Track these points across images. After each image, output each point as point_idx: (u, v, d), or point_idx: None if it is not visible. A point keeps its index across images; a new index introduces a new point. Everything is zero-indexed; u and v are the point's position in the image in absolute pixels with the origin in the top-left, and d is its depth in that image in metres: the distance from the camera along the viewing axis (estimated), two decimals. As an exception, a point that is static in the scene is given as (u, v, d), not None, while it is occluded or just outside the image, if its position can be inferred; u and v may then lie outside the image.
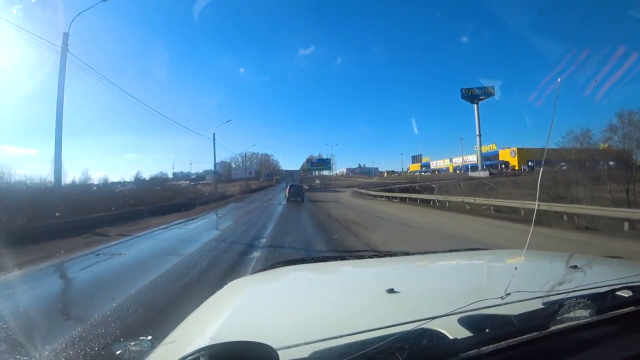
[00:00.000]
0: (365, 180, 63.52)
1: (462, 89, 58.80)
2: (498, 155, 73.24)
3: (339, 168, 79.82)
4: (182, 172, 73.86)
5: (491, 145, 77.61)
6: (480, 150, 58.59)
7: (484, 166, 62.89)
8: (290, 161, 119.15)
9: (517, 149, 66.54)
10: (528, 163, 54.98)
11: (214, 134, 33.95)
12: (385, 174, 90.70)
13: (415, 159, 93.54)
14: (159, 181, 30.69)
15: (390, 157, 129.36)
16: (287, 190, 24.01)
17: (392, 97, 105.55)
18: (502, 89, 66.45)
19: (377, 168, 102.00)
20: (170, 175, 60.71)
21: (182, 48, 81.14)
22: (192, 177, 71.62)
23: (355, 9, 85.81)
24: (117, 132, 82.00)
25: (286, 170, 57.09)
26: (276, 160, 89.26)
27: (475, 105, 58.92)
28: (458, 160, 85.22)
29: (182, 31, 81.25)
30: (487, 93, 59.60)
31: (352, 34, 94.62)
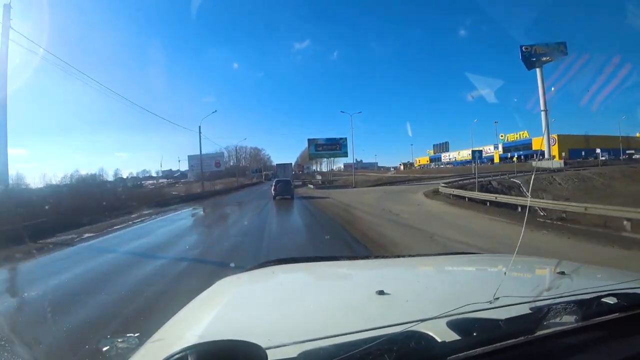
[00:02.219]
0: (382, 175, 55.92)
1: (521, 47, 37.89)
2: (531, 144, 61.30)
3: (336, 163, 74.86)
4: (170, 170, 71.52)
5: (522, 133, 65.99)
6: (548, 131, 38.86)
7: (514, 156, 55.47)
8: (284, 159, 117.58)
9: (557, 135, 54.94)
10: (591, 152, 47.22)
11: (199, 126, 31.54)
12: (402, 167, 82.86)
13: (440, 147, 72.20)
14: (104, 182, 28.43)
15: (387, 152, 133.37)
16: (273, 188, 20.64)
17: (389, 92, 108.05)
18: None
19: (377, 163, 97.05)
20: (154, 174, 62.12)
21: (174, 42, 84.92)
22: (176, 174, 66.34)
23: (351, 3, 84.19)
24: (108, 130, 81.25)
25: (277, 164, 49.71)
26: (267, 155, 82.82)
27: (537, 70, 36.38)
28: (467, 152, 70.42)
29: (175, 25, 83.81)
30: (558, 51, 36.42)
31: (348, 28, 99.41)
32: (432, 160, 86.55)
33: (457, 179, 29.23)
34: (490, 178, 28.56)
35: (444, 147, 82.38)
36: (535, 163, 43.75)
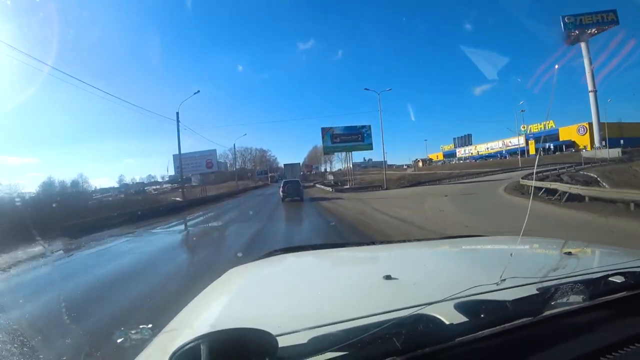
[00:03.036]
0: (402, 173, 47.08)
1: (563, 18, 28.46)
2: (558, 134, 54.04)
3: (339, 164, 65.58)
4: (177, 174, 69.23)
5: (547, 123, 55.58)
6: (599, 116, 32.15)
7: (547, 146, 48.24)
8: (291, 160, 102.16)
9: (589, 124, 47.75)
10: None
11: (177, 112, 24.35)
12: (421, 164, 75.89)
13: (462, 140, 65.01)
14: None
15: (395, 149, 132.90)
16: (281, 189, 18.87)
17: (396, 89, 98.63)
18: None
19: (386, 161, 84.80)
20: (159, 179, 61.09)
21: (177, 46, 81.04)
22: (180, 179, 61.33)
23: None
24: (116, 136, 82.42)
25: (285, 165, 45.78)
26: (274, 157, 78.29)
27: (582, 45, 27.28)
28: (496, 145, 67.95)
29: (179, 30, 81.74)
30: (606, 21, 27.25)
31: (352, 25, 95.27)
32: (445, 156, 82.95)
33: (518, 172, 24.80)
34: (553, 171, 22.97)
35: (467, 139, 76.51)
36: (588, 154, 36.62)
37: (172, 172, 68.48)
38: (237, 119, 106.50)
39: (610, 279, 0.78)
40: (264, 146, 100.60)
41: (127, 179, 57.19)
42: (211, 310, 0.92)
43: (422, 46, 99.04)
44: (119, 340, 0.82)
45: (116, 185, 50.94)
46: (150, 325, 0.85)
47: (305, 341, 0.57)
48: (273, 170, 70.80)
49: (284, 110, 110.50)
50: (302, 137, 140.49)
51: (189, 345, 0.53)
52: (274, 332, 0.56)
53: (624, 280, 0.78)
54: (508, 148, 63.52)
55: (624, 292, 0.76)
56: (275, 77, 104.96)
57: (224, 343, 0.54)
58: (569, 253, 1.06)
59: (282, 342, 0.55)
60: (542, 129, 59.23)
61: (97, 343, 2.95)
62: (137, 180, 59.90)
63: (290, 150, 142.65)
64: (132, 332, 0.83)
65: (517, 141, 64.73)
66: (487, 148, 72.70)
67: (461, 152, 79.21)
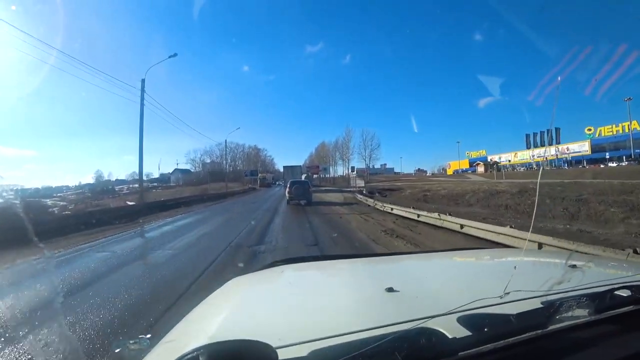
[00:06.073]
0: (456, 180, 35.69)
1: None
2: None
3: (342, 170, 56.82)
4: (168, 173, 60.55)
5: (626, 124, 41.16)
6: None
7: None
8: (290, 162, 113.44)
9: None
10: None
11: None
12: (483, 169, 48.80)
13: (542, 134, 43.70)
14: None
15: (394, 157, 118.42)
16: (287, 190, 17.59)
17: (406, 95, 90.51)
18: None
19: (393, 168, 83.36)
20: (144, 177, 58.06)
21: (188, 45, 72.35)
22: (164, 179, 55.87)
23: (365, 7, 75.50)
24: (118, 132, 73.06)
25: (285, 167, 40.64)
26: (270, 157, 69.40)
27: None
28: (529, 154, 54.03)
29: (191, 28, 70.24)
30: None
31: (360, 32, 77.98)
32: (471, 163, 70.81)
33: None
34: None
35: (553, 136, 54.16)
36: None
37: (163, 171, 58.09)
38: (236, 118, 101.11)
39: (616, 292, 0.75)
40: (261, 146, 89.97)
41: (108, 176, 55.67)
42: (211, 321, 0.88)
43: (429, 55, 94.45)
44: (116, 350, 0.79)
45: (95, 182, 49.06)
46: (149, 336, 0.81)
47: (305, 354, 0.56)
48: (268, 172, 56.42)
49: (288, 113, 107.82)
50: (302, 140, 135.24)
51: (188, 356, 0.51)
52: (274, 344, 0.55)
53: (630, 294, 0.75)
54: (571, 155, 45.23)
55: (630, 307, 0.73)
56: (280, 81, 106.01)
57: (223, 355, 0.52)
58: (574, 266, 1.02)
59: (282, 354, 0.54)
60: (620, 131, 40.70)
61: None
62: (117, 178, 56.75)
63: (289, 156, 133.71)
64: (131, 342, 0.79)
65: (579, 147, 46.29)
66: (533, 155, 54.20)
67: (494, 158, 61.56)
